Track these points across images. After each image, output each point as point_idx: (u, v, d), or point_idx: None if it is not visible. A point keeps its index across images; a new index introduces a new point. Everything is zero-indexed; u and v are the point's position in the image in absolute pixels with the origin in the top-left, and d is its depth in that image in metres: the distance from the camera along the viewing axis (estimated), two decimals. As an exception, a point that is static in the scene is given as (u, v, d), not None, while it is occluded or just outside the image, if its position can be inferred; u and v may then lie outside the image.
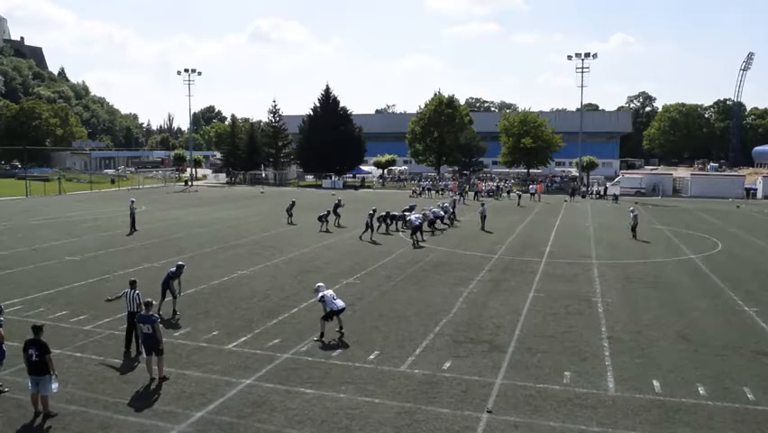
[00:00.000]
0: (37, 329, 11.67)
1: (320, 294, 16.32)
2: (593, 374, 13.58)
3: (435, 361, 14.34)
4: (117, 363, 14.13)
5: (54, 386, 11.34)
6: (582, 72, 74.05)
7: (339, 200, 41.57)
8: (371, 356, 14.61)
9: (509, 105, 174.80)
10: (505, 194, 67.54)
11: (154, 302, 13.83)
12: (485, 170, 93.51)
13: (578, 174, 79.96)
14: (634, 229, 34.73)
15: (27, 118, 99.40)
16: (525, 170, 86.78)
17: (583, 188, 73.02)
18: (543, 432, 10.92)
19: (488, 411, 11.62)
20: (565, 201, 61.41)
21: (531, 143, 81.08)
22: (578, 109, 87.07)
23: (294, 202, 42.25)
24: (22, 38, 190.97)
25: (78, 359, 14.34)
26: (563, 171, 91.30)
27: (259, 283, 22.37)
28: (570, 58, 74.46)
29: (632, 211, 36.18)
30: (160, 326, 13.10)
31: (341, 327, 16.32)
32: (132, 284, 15.02)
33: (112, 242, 32.08)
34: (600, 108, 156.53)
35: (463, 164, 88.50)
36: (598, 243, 33.27)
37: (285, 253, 29.01)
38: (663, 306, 19.79)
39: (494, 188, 71.87)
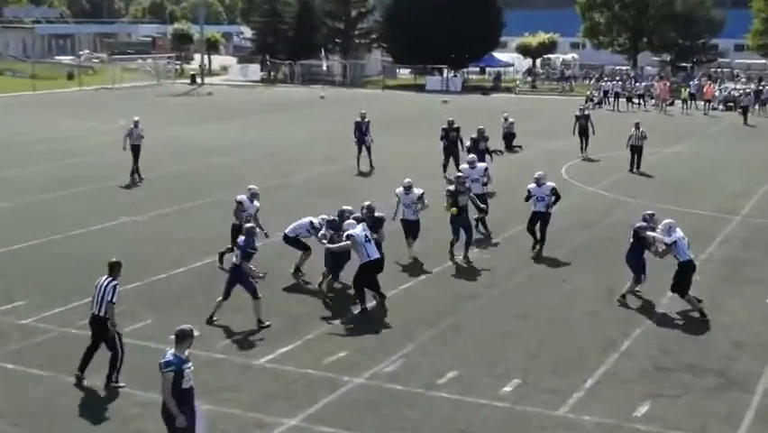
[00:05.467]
0: None
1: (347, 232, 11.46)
2: None
3: (621, 401, 9.04)
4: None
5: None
6: None
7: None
8: (507, 388, 9.35)
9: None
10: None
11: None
12: (720, 60, 60.77)
13: None
14: None
15: None
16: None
17: None
18: None
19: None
20: None
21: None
22: None
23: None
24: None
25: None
26: None
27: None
28: None
29: None
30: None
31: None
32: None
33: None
34: None
35: (681, 50, 57.09)
36: None
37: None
38: None
39: (744, 94, 40.22)
